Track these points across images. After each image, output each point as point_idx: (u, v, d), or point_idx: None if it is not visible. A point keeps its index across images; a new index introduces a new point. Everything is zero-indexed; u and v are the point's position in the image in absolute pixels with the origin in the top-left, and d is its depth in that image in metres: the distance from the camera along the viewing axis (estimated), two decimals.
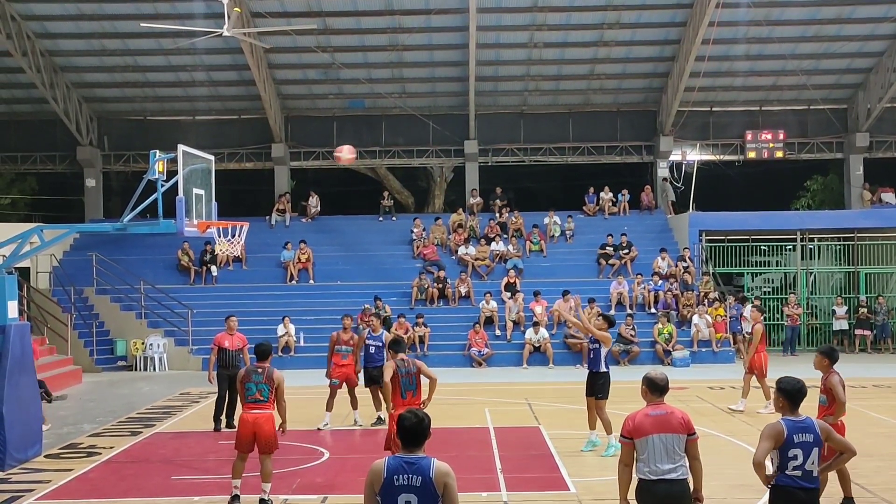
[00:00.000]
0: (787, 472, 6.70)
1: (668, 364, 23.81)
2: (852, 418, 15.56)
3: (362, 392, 15.72)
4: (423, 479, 5.47)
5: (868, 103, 31.37)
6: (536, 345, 24.38)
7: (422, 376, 10.97)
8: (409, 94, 32.06)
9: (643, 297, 26.54)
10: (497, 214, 30.58)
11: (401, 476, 5.47)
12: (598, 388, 12.65)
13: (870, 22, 28.79)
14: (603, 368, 12.65)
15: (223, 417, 15.08)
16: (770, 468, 6.83)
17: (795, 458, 6.68)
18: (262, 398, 10.26)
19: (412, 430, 5.61)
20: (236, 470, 10.29)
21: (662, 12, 28.47)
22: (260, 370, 10.38)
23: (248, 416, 10.25)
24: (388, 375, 10.58)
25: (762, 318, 17.15)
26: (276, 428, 10.37)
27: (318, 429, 15.02)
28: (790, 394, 6.86)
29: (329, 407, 15.32)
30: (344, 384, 15.45)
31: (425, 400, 10.95)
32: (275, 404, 10.43)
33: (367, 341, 15.49)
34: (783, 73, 30.91)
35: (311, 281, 28.19)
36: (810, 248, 29.53)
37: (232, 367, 14.69)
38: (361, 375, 15.73)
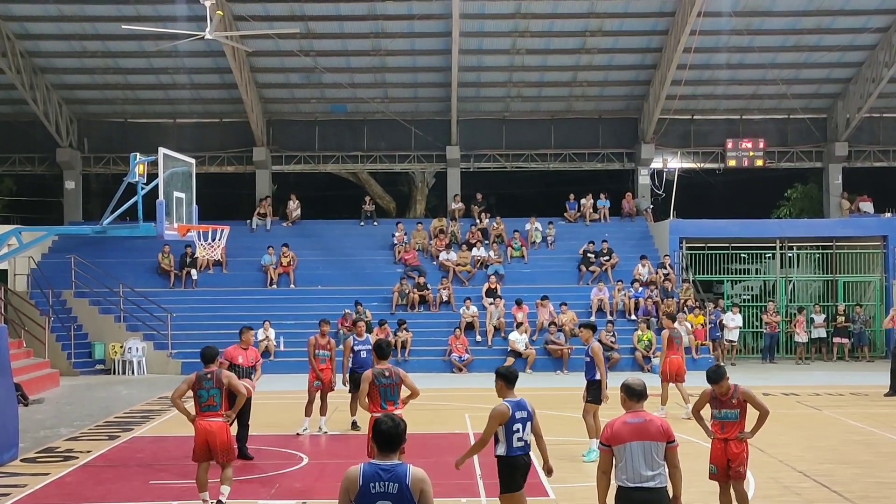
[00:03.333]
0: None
1: (648, 371, 23.83)
2: (830, 425, 15.74)
3: (336, 398, 15.77)
4: (400, 486, 5.42)
5: (847, 113, 31.59)
6: (520, 350, 24.34)
7: (403, 387, 10.72)
8: (391, 99, 32.03)
9: (623, 304, 26.61)
10: (477, 220, 30.60)
11: (377, 483, 5.42)
12: (590, 393, 12.99)
13: (849, 32, 29.01)
14: (597, 376, 12.99)
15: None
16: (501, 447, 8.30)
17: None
18: (214, 405, 10.06)
19: (388, 435, 5.55)
20: (200, 482, 10.17)
21: (645, 20, 28.59)
22: (209, 375, 10.12)
23: (202, 424, 10.07)
24: (363, 388, 10.45)
25: (673, 325, 17.40)
26: (225, 419, 10.14)
27: (298, 434, 14.99)
28: (507, 377, 8.60)
29: (308, 412, 15.29)
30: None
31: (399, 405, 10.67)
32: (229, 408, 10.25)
33: (354, 347, 15.44)
34: (764, 83, 31.09)
35: (292, 285, 28.10)
36: (789, 257, 29.72)
37: None
38: (341, 379, 15.74)
